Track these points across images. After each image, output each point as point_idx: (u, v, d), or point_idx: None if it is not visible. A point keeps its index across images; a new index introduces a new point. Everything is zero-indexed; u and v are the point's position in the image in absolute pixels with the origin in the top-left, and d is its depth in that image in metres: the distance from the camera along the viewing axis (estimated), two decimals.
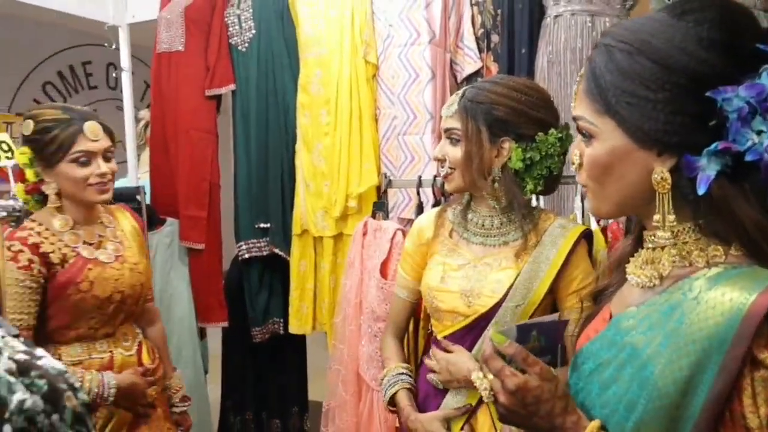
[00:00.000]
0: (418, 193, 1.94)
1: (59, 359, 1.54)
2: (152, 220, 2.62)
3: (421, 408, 1.46)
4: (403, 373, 1.53)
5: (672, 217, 0.77)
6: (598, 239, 1.56)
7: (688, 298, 0.72)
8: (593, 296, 1.04)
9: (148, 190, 2.72)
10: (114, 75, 3.34)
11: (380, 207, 2.06)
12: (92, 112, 1.64)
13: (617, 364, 0.77)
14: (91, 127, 1.57)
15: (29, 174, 1.63)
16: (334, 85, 2.37)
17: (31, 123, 1.56)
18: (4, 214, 0.88)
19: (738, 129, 0.70)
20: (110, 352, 1.65)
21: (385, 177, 2.10)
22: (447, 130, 1.40)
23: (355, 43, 2.35)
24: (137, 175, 2.93)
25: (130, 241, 1.75)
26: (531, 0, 2.21)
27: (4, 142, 2.85)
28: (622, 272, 0.89)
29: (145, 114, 3.05)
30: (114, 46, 2.89)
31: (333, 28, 2.40)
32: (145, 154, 2.90)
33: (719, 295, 0.69)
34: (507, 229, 1.40)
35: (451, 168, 1.39)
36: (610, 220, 1.70)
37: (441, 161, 1.42)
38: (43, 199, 1.64)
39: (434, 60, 2.27)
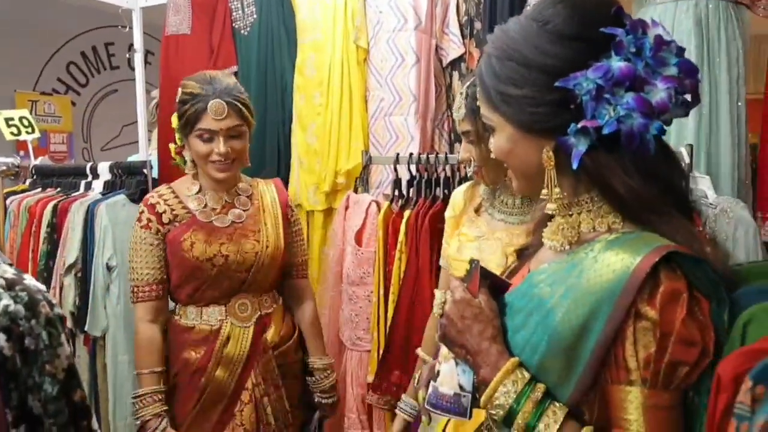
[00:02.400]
0: (395, 170, 2.09)
1: (180, 320, 1.67)
2: None
3: None
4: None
5: (557, 190, 0.87)
6: None
7: (589, 257, 0.83)
8: (517, 254, 1.16)
9: (155, 164, 2.90)
10: (127, 56, 3.51)
11: (361, 182, 2.22)
12: (231, 87, 1.61)
13: (526, 312, 0.88)
14: (214, 106, 1.55)
15: (177, 137, 1.69)
16: (327, 68, 2.52)
17: (180, 91, 1.62)
18: (4, 168, 1.03)
19: (594, 107, 0.80)
20: (220, 320, 1.64)
21: (366, 154, 2.25)
22: (464, 133, 1.42)
23: (347, 29, 2.50)
24: (148, 151, 3.12)
25: (263, 212, 1.72)
26: None
27: (25, 118, 3.08)
28: (540, 236, 1.00)
29: (157, 94, 3.22)
30: (128, 28, 3.07)
31: (327, 13, 2.54)
32: (156, 132, 3.09)
33: (613, 255, 0.81)
34: (528, 209, 1.41)
35: (477, 166, 1.42)
36: None
37: (468, 161, 1.44)
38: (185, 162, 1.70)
39: (419, 45, 2.41)
